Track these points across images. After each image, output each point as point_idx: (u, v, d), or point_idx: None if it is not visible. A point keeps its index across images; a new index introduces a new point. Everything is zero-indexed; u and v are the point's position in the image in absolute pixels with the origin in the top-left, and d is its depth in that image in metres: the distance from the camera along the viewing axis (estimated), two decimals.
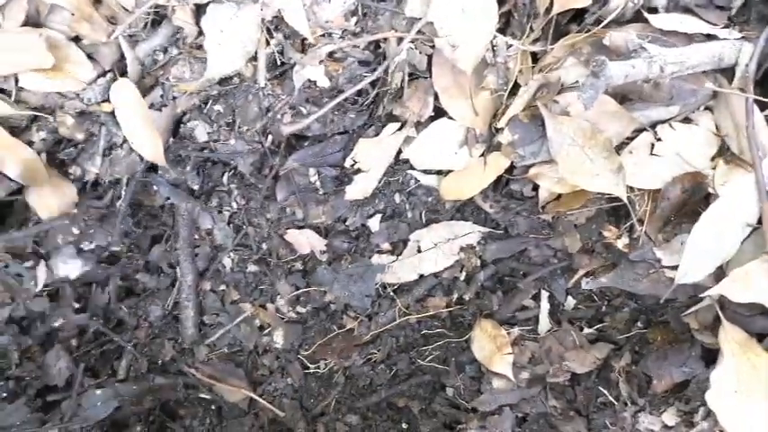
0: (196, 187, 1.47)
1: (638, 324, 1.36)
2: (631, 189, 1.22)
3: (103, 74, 1.30)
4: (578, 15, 1.24)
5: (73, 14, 1.23)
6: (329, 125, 1.36)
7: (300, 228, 1.47)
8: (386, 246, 1.49)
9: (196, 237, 1.52)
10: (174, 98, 1.34)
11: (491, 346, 1.39)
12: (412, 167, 1.40)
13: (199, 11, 1.25)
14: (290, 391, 1.55)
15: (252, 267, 1.53)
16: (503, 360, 1.35)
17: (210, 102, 1.36)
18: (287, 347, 1.54)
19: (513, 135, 1.24)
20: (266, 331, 1.54)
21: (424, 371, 1.53)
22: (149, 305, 1.54)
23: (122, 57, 1.29)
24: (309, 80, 1.30)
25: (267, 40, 1.27)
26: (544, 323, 1.42)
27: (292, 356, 1.55)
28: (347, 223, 1.48)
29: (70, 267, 1.43)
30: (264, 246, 1.51)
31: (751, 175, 1.11)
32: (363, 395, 1.53)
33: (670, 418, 1.24)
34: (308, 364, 1.55)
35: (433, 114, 1.33)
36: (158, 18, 1.29)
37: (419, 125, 1.34)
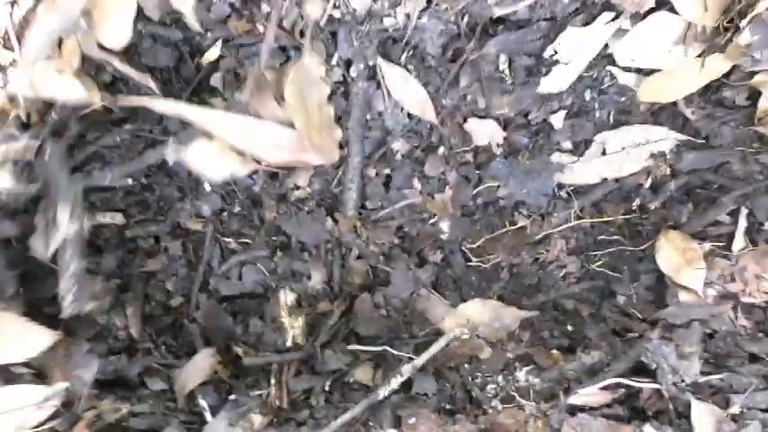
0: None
1: None
2: None
3: None
4: None
5: None
6: (537, 10, 1.26)
7: (481, 117, 1.41)
8: (567, 144, 1.43)
9: (368, 118, 1.47)
10: None
11: (679, 258, 1.33)
12: (612, 63, 1.30)
13: None
14: (449, 282, 1.53)
15: (421, 155, 1.48)
16: (694, 274, 1.29)
17: None
18: (452, 239, 1.52)
19: (753, 36, 1.12)
20: (432, 221, 1.51)
21: (593, 276, 1.50)
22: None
23: None
24: None
25: None
26: (739, 241, 1.34)
27: (456, 248, 1.53)
28: (529, 117, 1.41)
29: None
30: (437, 133, 1.46)
31: None
32: (528, 294, 1.50)
33: None
34: (471, 257, 1.52)
35: (653, 6, 1.21)
36: None
37: (635, 17, 1.23)
